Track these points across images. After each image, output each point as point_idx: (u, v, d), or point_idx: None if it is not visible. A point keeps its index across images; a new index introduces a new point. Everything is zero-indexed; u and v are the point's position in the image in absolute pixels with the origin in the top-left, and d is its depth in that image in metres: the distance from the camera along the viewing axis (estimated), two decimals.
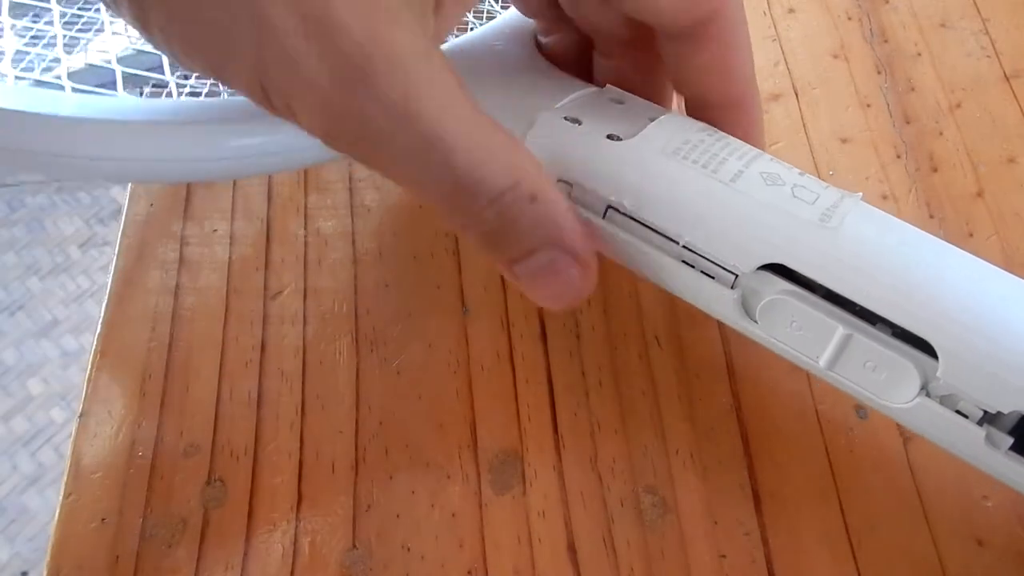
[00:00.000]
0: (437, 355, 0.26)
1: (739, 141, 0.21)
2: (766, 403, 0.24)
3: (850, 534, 0.22)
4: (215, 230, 0.29)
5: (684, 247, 0.19)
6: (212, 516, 0.24)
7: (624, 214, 0.20)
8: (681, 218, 0.19)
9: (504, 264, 0.19)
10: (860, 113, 0.29)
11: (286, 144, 0.21)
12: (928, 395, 0.18)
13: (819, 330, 0.18)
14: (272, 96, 0.17)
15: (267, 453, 0.25)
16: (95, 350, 0.27)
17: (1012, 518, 0.22)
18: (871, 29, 0.31)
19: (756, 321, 0.19)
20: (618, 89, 0.22)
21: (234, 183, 0.30)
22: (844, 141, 0.29)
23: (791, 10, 0.32)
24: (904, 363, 0.17)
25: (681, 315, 0.26)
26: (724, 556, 0.22)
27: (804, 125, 0.29)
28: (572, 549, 0.23)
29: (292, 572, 0.23)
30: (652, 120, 0.21)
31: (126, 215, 0.29)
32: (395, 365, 0.26)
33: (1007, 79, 0.30)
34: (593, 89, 0.22)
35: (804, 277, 0.18)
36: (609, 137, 0.20)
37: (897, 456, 0.23)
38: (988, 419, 0.17)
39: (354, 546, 0.23)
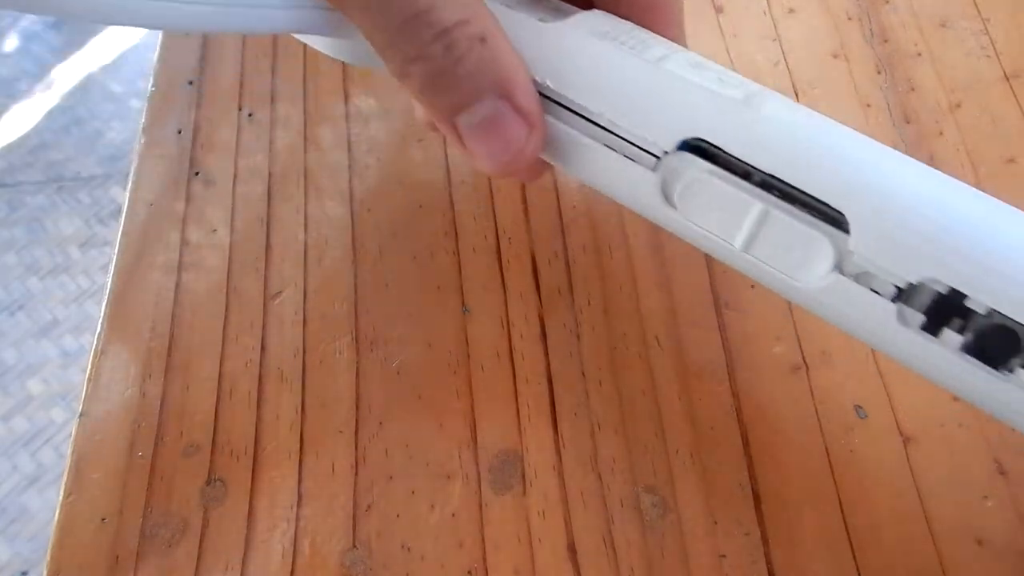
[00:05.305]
0: (437, 355, 0.26)
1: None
2: (766, 403, 0.24)
3: (850, 534, 0.22)
4: (215, 230, 0.29)
5: (605, 127, 0.20)
6: (212, 516, 0.24)
7: (550, 98, 0.20)
8: (603, 94, 0.20)
9: (446, 114, 0.19)
10: (860, 113, 0.29)
11: None
12: (842, 273, 0.18)
13: (736, 208, 0.19)
14: None
15: (267, 453, 0.25)
16: (95, 350, 0.27)
17: (1012, 518, 0.22)
18: (871, 29, 0.31)
19: (676, 207, 0.20)
20: None
21: (233, 184, 0.30)
22: None
23: (791, 10, 0.32)
24: (817, 236, 0.18)
25: (681, 315, 0.26)
26: (724, 556, 0.22)
27: None
28: (572, 549, 0.23)
29: (292, 572, 0.23)
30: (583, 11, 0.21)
31: (126, 215, 0.29)
32: (395, 365, 0.26)
33: (1007, 79, 0.29)
34: None
35: (724, 157, 0.19)
36: (540, 20, 0.21)
37: (897, 456, 0.23)
38: (901, 297, 0.18)
39: (354, 546, 0.23)
